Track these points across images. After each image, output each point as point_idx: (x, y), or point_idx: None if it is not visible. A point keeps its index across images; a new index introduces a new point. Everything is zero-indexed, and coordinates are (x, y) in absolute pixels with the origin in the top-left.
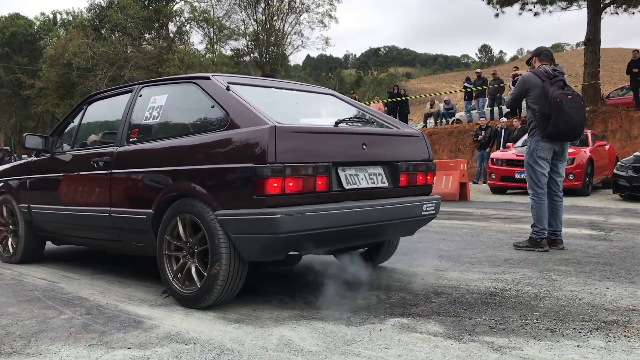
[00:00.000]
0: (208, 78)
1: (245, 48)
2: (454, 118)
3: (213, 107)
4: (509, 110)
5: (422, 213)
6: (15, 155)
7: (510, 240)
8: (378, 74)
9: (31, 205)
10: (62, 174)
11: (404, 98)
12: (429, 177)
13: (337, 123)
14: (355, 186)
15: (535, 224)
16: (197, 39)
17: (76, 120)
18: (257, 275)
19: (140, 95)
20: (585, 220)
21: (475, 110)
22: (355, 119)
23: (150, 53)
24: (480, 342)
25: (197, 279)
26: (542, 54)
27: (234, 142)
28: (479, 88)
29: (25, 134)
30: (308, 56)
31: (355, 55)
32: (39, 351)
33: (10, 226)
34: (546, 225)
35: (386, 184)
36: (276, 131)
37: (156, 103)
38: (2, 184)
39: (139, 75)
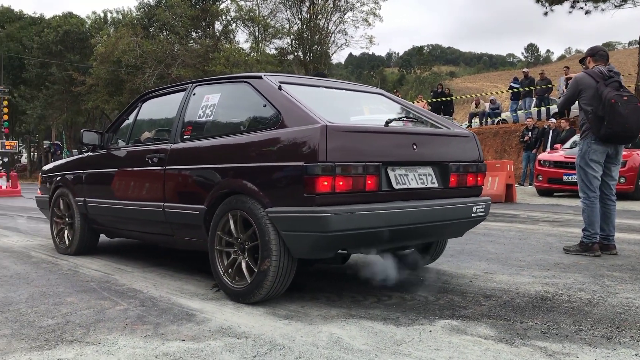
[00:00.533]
0: (260, 77)
1: (289, 47)
2: (499, 118)
3: (265, 106)
4: (557, 110)
5: (472, 215)
6: (65, 149)
7: (559, 244)
8: (421, 73)
9: (87, 199)
10: (117, 169)
11: (448, 98)
12: (479, 178)
13: (387, 122)
14: (404, 186)
15: (587, 227)
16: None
17: (131, 118)
18: (304, 273)
19: (194, 94)
20: (638, 225)
21: (522, 111)
22: (405, 119)
23: (197, 51)
24: (532, 346)
25: (247, 275)
26: (597, 54)
27: (285, 140)
28: (526, 88)
29: (82, 130)
30: (350, 54)
31: (398, 53)
32: (98, 340)
33: (67, 219)
34: (598, 229)
35: (436, 185)
36: (327, 130)
37: (209, 102)
38: (59, 177)
39: (186, 73)
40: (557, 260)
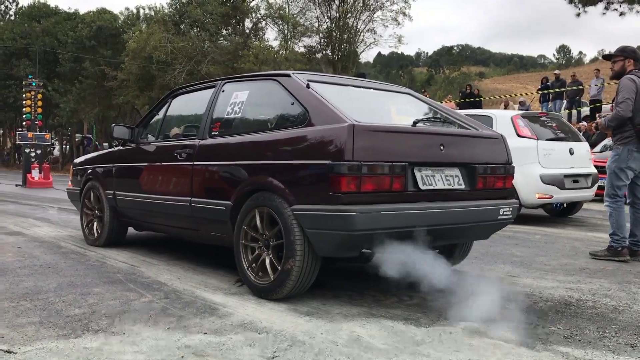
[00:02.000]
0: (289, 75)
1: (318, 45)
2: None
3: (293, 104)
4: (587, 113)
5: (499, 217)
6: (96, 142)
7: (586, 248)
8: (450, 73)
9: (116, 192)
10: (146, 164)
11: (477, 99)
12: (507, 181)
13: (415, 123)
14: (431, 187)
15: (615, 232)
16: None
17: (161, 113)
18: (326, 270)
19: (223, 91)
20: None
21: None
22: (433, 119)
23: (227, 48)
24: (554, 351)
25: (270, 272)
26: (638, 58)
27: (312, 138)
28: (557, 90)
29: (113, 125)
30: (379, 54)
31: (427, 53)
32: (123, 330)
33: (96, 211)
34: (627, 233)
35: (462, 186)
36: (354, 129)
37: (238, 99)
38: (90, 170)
39: (215, 70)
40: (583, 265)
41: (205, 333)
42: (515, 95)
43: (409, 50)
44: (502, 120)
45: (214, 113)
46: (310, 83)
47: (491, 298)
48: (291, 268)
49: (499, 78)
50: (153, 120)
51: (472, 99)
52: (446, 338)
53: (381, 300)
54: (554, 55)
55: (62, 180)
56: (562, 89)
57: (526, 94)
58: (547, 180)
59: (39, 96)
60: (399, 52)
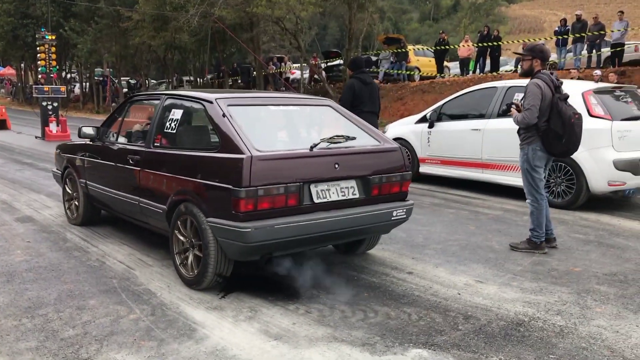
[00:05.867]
0: (212, 102)
1: None
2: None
3: (212, 129)
4: (609, 55)
5: (392, 218)
6: (114, 82)
7: (567, 237)
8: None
9: (87, 182)
10: (107, 162)
11: (494, 44)
12: (403, 186)
13: (312, 147)
14: (324, 200)
15: (536, 228)
16: None
17: (121, 116)
18: (304, 281)
19: (165, 106)
20: None
21: (571, 55)
22: (337, 137)
23: None
24: None
25: (194, 268)
26: (546, 58)
27: (221, 164)
28: (577, 35)
29: (80, 126)
30: None
31: None
32: (108, 359)
33: (74, 195)
34: (544, 229)
35: (357, 195)
36: (251, 160)
37: (175, 116)
38: (67, 159)
39: (229, 14)
40: (554, 265)
41: None
42: (544, 22)
43: None
44: (572, 96)
45: (157, 125)
46: (231, 108)
47: (449, 315)
48: (207, 267)
49: (528, 3)
50: (115, 121)
51: (489, 44)
52: None
53: (348, 317)
54: None
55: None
56: (583, 34)
57: (545, 38)
58: (620, 166)
59: (53, 49)
60: None
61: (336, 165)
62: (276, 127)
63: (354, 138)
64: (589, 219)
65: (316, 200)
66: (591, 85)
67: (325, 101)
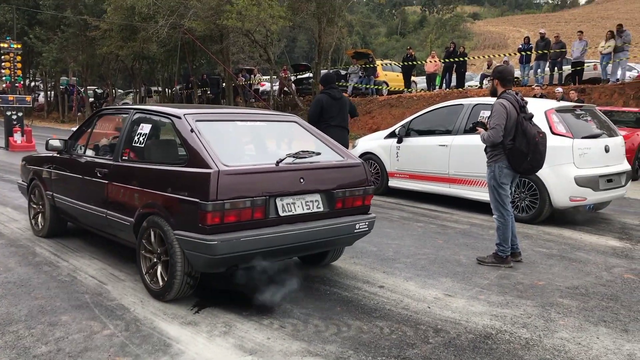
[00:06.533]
0: (180, 117)
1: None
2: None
3: (180, 144)
4: (570, 73)
5: (355, 231)
6: (81, 90)
7: (531, 251)
8: (443, 15)
9: (54, 194)
10: (75, 175)
11: (461, 59)
12: (366, 200)
13: (277, 162)
14: (290, 213)
15: (502, 243)
16: None
17: (88, 129)
18: (278, 295)
19: (133, 120)
20: (619, 223)
21: (532, 70)
22: (302, 152)
23: (209, 4)
24: None
25: (161, 279)
26: (506, 79)
27: (189, 178)
28: (540, 52)
29: (47, 139)
30: None
31: None
32: None
33: (40, 207)
34: (510, 243)
35: (321, 209)
36: (219, 174)
37: (143, 130)
38: (33, 171)
39: (198, 25)
40: (520, 279)
41: None
42: (507, 38)
43: None
44: (535, 115)
45: (125, 139)
46: (199, 123)
47: (420, 328)
48: (174, 279)
49: (493, 20)
50: (83, 134)
51: (455, 59)
52: None
53: (322, 331)
54: None
55: (45, 135)
56: (546, 51)
57: (509, 54)
58: (581, 182)
59: (18, 58)
60: None
61: (301, 180)
62: (243, 142)
63: (319, 153)
64: (552, 233)
65: (282, 214)
66: (553, 104)
67: (292, 117)
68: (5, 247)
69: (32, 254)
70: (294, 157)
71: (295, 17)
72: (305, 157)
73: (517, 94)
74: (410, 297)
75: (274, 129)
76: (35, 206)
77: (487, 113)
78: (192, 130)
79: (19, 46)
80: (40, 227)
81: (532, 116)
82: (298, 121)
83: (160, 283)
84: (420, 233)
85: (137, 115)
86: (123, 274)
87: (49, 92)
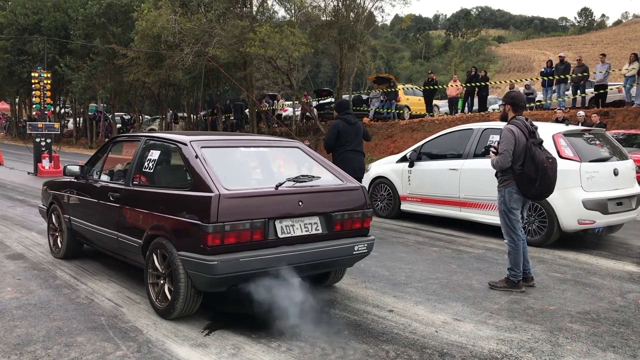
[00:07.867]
0: (186, 144)
1: (325, 27)
2: (532, 104)
3: (185, 169)
4: (593, 96)
5: (354, 253)
6: (108, 118)
7: (545, 276)
8: (467, 38)
9: (71, 217)
10: (90, 199)
11: (482, 84)
12: (365, 222)
13: (277, 186)
14: (289, 235)
15: (513, 268)
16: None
17: (104, 155)
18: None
19: (144, 147)
20: (638, 248)
21: (555, 95)
22: (302, 177)
23: (233, 32)
24: None
25: (167, 298)
26: (518, 105)
27: (192, 201)
28: (561, 76)
29: (65, 165)
30: (396, 16)
31: (445, 15)
32: None
33: (58, 230)
34: (522, 268)
35: (320, 231)
36: (219, 198)
37: (152, 156)
38: (52, 195)
39: (222, 53)
40: (530, 304)
41: None
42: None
43: (427, 12)
44: (542, 139)
45: (136, 165)
46: (204, 150)
47: (426, 352)
48: (178, 297)
49: (517, 43)
50: (99, 160)
51: (477, 84)
52: None
53: (328, 354)
54: (575, 18)
55: (72, 160)
56: (567, 75)
57: (531, 79)
58: (589, 205)
59: (48, 87)
60: (417, 14)
61: (300, 203)
62: (246, 167)
63: (318, 177)
64: (568, 257)
65: (280, 235)
66: (561, 127)
67: (295, 143)
68: (28, 270)
69: (52, 277)
70: (293, 180)
71: (317, 44)
72: (304, 181)
73: (526, 119)
74: (418, 321)
75: (277, 154)
76: (53, 229)
77: (496, 137)
78: (196, 156)
79: (49, 75)
80: (58, 249)
81: (541, 141)
82: (301, 147)
83: (166, 302)
84: (435, 257)
85: (147, 142)
86: (139, 297)
87: (78, 119)
